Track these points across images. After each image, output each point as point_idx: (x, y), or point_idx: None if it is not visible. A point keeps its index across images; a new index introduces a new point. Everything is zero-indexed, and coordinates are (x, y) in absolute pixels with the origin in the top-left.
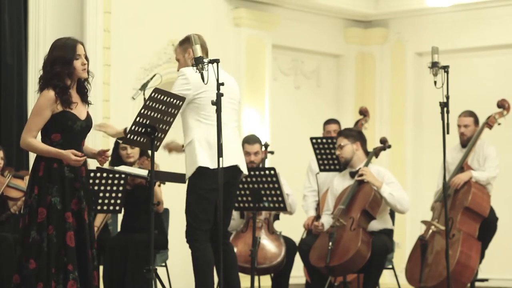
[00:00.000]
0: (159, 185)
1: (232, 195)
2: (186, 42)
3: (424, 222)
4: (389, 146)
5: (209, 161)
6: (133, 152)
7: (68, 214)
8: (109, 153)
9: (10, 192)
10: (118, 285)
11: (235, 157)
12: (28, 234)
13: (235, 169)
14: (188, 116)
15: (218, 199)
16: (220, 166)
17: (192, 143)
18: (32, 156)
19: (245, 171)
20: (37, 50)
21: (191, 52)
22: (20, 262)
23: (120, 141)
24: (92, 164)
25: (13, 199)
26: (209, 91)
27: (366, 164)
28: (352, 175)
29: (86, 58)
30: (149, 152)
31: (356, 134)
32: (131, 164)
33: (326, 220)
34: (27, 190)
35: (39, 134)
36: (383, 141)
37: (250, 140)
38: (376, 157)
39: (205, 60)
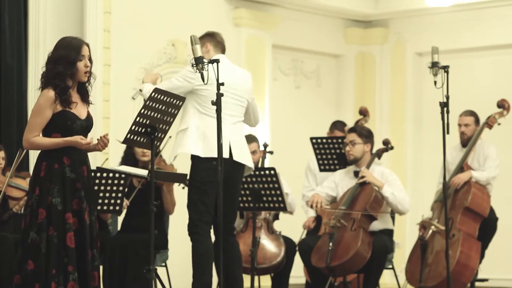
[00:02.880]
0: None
1: (233, 191)
2: (204, 37)
3: (423, 222)
4: (392, 148)
5: (201, 150)
6: (149, 152)
7: (68, 215)
8: (109, 137)
9: (12, 191)
10: (118, 285)
11: (231, 150)
12: (28, 235)
13: (229, 162)
14: (188, 104)
15: (218, 197)
16: (219, 168)
17: (187, 131)
18: (32, 157)
19: (248, 164)
20: (37, 50)
21: (208, 45)
22: (20, 263)
23: (120, 142)
24: (92, 164)
25: (14, 199)
26: (214, 84)
27: (368, 166)
28: (357, 174)
29: (90, 60)
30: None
31: (369, 135)
32: (145, 163)
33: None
34: (28, 190)
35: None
36: (386, 142)
37: (246, 139)
38: (379, 158)
39: (205, 60)
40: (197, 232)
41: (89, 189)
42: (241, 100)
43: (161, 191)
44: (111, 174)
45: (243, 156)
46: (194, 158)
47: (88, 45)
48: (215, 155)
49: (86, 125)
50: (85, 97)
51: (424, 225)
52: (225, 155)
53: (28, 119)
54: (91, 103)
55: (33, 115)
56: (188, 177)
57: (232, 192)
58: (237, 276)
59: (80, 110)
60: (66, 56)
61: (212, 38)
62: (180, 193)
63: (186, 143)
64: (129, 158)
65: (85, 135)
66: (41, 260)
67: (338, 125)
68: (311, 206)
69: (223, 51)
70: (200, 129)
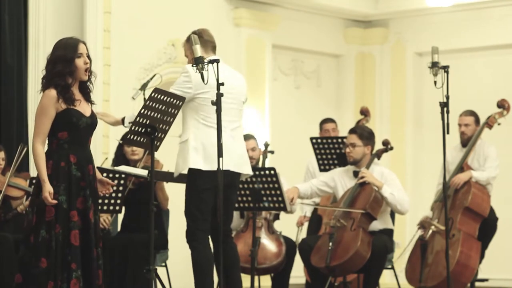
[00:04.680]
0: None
1: (230, 197)
2: (189, 40)
3: (423, 222)
4: (391, 148)
5: (202, 163)
6: (138, 150)
7: (73, 213)
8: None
9: (12, 191)
10: (118, 285)
11: (229, 161)
12: (38, 233)
13: (228, 173)
14: (187, 114)
15: (218, 198)
16: (220, 166)
17: (186, 143)
18: (32, 157)
19: (245, 171)
20: (37, 50)
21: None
22: (23, 262)
23: (120, 141)
24: None
25: (14, 198)
26: (211, 91)
27: (368, 166)
28: (356, 174)
29: (89, 57)
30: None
31: (370, 137)
32: (135, 162)
33: (303, 188)
34: (34, 189)
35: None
36: (386, 143)
37: (244, 137)
38: (378, 159)
39: (205, 60)
40: (195, 240)
41: (93, 188)
42: (239, 103)
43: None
44: (111, 174)
45: (241, 165)
46: (193, 169)
47: (85, 43)
48: (215, 168)
49: (91, 123)
50: (87, 96)
51: (423, 225)
52: (225, 167)
53: (34, 121)
54: (94, 103)
55: (37, 117)
56: (186, 186)
57: (228, 198)
58: (236, 278)
59: (84, 108)
60: (63, 55)
61: (198, 38)
62: (179, 191)
63: (187, 158)
64: (120, 159)
65: (90, 133)
66: (53, 258)
67: (325, 120)
68: None
69: (213, 49)
70: (199, 141)
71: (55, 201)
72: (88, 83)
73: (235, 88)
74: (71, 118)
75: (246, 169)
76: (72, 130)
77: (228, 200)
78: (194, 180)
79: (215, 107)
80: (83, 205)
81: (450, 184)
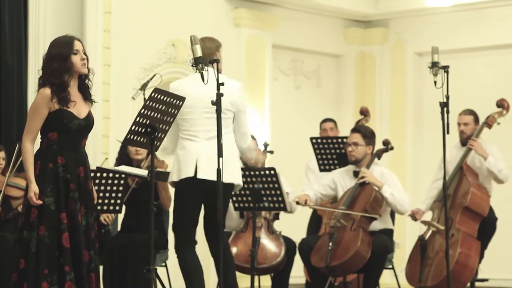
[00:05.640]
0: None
1: (211, 208)
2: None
3: (423, 222)
4: (392, 148)
5: (175, 175)
6: (142, 149)
7: (63, 215)
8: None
9: (11, 191)
10: (118, 285)
11: (209, 171)
12: (22, 234)
13: (194, 181)
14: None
15: (218, 199)
16: (220, 167)
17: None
18: None
19: (235, 181)
20: (37, 50)
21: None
22: (16, 261)
23: (120, 142)
24: (92, 164)
25: (14, 198)
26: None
27: (368, 166)
28: (356, 174)
29: (86, 54)
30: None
31: (371, 137)
32: (139, 161)
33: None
34: (25, 190)
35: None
36: (386, 143)
37: None
38: (379, 159)
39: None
40: (178, 250)
41: (85, 190)
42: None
43: (156, 188)
44: (111, 174)
45: (224, 173)
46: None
47: (80, 40)
48: (187, 175)
49: (85, 124)
50: (86, 95)
51: (414, 214)
52: (191, 173)
53: (27, 118)
54: (95, 102)
55: (30, 114)
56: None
57: (209, 209)
58: (230, 279)
59: (79, 109)
60: (59, 53)
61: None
62: None
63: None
64: (123, 158)
65: (85, 135)
66: (30, 260)
67: (323, 120)
68: (297, 203)
69: (210, 55)
70: (174, 154)
71: (39, 202)
72: (87, 80)
73: (212, 98)
74: (62, 119)
75: (234, 179)
76: (62, 132)
77: (210, 210)
78: (174, 193)
79: (188, 119)
80: (72, 208)
81: (468, 143)
